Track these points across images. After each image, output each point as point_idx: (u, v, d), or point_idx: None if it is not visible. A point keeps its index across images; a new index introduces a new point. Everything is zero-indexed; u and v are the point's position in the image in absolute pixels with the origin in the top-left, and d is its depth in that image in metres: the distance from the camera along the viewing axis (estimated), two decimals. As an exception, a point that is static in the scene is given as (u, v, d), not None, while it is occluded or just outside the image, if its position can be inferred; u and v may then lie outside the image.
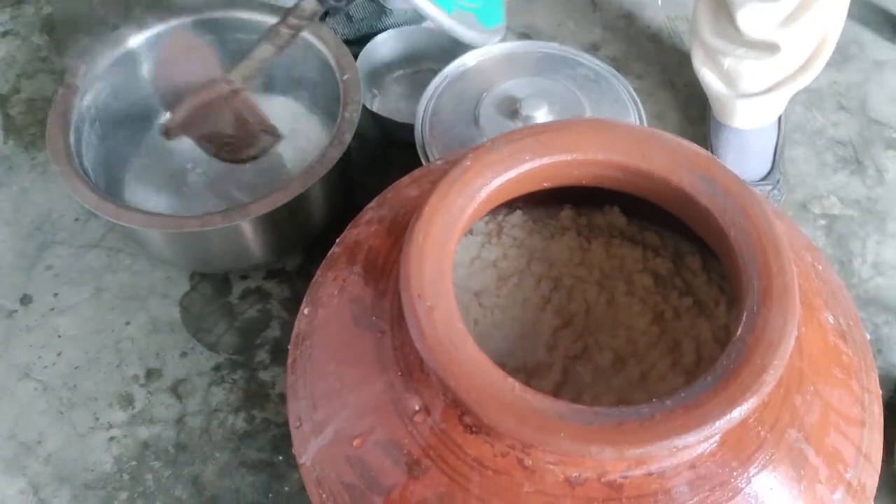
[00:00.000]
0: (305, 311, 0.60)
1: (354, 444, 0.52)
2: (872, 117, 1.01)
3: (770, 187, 0.90)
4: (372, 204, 0.65)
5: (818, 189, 0.95)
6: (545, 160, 0.54)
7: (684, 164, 0.53)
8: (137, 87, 0.91)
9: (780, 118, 0.95)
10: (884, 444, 0.77)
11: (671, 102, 1.03)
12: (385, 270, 0.57)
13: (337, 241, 0.63)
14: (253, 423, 0.80)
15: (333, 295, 0.58)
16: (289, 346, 0.59)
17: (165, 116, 0.84)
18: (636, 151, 0.54)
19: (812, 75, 0.90)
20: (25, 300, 0.88)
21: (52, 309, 0.87)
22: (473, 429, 0.48)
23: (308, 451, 0.55)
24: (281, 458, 0.78)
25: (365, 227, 0.62)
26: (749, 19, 0.84)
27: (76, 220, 0.94)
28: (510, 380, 0.45)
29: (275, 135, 0.83)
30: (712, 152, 0.94)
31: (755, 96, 0.91)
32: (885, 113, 1.02)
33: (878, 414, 0.54)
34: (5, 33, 1.12)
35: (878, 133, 1.00)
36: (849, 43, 1.08)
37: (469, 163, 0.53)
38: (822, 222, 0.92)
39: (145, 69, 0.90)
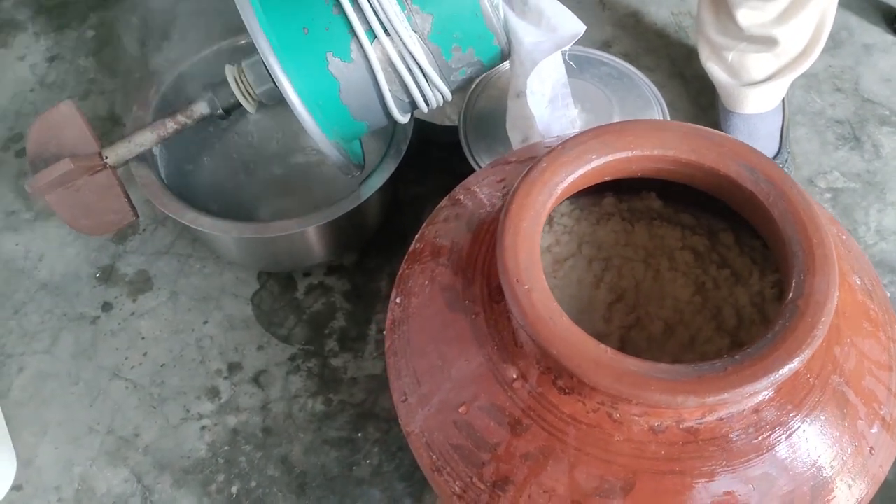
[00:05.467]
0: (397, 301, 0.68)
1: (460, 410, 0.60)
2: (866, 97, 1.11)
3: (780, 166, 0.99)
4: (444, 203, 0.73)
5: (822, 165, 1.04)
6: (609, 158, 0.62)
7: (729, 156, 0.61)
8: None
9: (783, 102, 1.04)
10: None
11: (682, 92, 1.12)
12: (470, 261, 0.65)
13: (416, 237, 0.71)
14: (331, 406, 0.88)
15: (424, 285, 0.66)
16: (384, 332, 0.67)
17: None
18: (686, 146, 0.62)
19: (810, 62, 0.98)
20: (106, 307, 0.96)
21: (133, 314, 0.95)
22: (566, 390, 0.57)
23: (416, 420, 0.63)
24: (360, 434, 0.86)
25: (443, 225, 0.70)
26: (747, 17, 0.93)
27: (143, 230, 1.01)
28: (603, 346, 0.54)
29: (135, 215, 0.86)
30: None
31: (759, 84, 1.00)
32: (877, 93, 1.11)
33: (902, 359, 0.64)
34: (52, 58, 1.18)
35: (871, 111, 1.09)
36: (839, 29, 1.17)
37: (545, 164, 0.61)
38: (828, 195, 1.02)
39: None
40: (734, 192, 0.62)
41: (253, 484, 0.83)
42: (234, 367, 0.91)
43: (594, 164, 0.62)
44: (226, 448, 0.86)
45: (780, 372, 0.52)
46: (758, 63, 0.97)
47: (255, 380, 0.90)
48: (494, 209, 0.67)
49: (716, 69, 1.01)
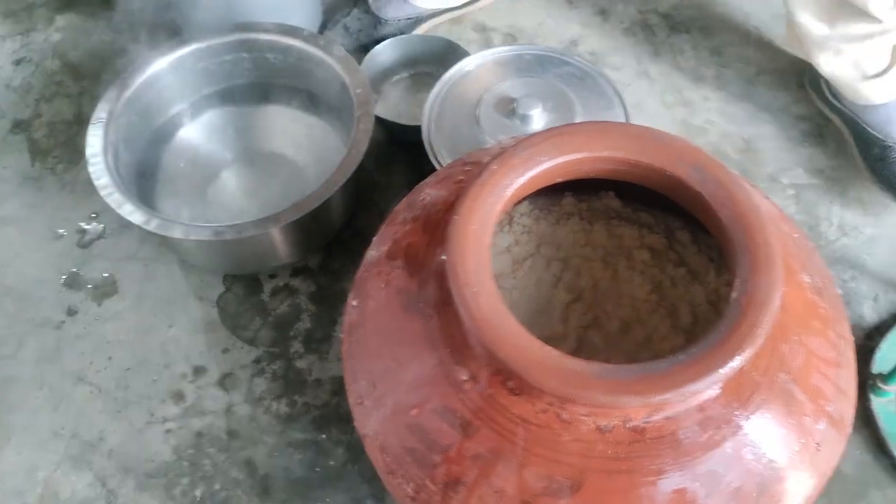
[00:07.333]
0: (354, 304, 0.68)
1: (413, 413, 0.60)
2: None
3: None
4: (401, 205, 0.73)
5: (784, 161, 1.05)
6: (559, 160, 0.62)
7: (676, 157, 0.62)
8: (161, 106, 0.99)
9: None
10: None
11: (648, 90, 1.12)
12: (425, 263, 0.65)
13: (374, 240, 0.71)
14: (295, 408, 0.88)
15: (380, 288, 0.67)
16: (341, 335, 0.67)
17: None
18: (635, 147, 0.63)
19: None
20: (71, 311, 0.95)
21: (98, 318, 0.95)
22: (516, 391, 0.57)
23: (370, 423, 0.63)
24: (324, 436, 0.86)
25: (401, 227, 0.70)
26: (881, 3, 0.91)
27: (108, 234, 1.01)
28: (548, 347, 0.54)
29: None
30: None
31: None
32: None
33: (851, 357, 0.64)
34: (19, 61, 1.18)
35: (835, 108, 1.10)
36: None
37: (495, 167, 0.61)
38: (791, 192, 1.03)
39: (168, 89, 0.98)
40: (683, 193, 0.62)
41: (217, 487, 0.83)
42: (199, 371, 0.91)
43: (544, 166, 0.62)
44: (190, 451, 0.86)
45: (722, 371, 0.52)
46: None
47: (220, 383, 0.90)
48: (448, 211, 0.68)
49: (839, 68, 0.98)
